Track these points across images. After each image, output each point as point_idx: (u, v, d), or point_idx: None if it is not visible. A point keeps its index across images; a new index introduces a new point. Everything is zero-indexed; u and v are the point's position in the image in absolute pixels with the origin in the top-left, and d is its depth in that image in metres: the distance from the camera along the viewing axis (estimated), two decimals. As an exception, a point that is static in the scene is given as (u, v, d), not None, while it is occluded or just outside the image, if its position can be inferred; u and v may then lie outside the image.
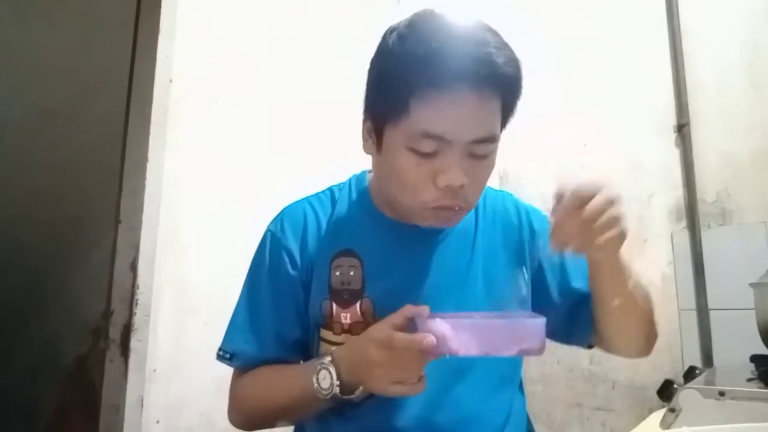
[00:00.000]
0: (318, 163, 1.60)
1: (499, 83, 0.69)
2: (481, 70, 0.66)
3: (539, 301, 0.88)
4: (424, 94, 0.67)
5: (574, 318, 0.88)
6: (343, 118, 1.76)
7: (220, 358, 0.84)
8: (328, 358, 0.73)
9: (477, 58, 0.66)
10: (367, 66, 0.76)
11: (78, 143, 1.91)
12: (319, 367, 0.72)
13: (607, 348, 0.88)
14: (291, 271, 0.81)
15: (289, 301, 0.82)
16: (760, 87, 1.67)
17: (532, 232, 0.90)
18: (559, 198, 0.67)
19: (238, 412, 0.83)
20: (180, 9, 1.41)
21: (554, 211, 0.67)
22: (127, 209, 1.34)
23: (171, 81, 1.37)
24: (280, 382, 0.79)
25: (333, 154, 1.67)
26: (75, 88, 1.96)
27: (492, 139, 0.71)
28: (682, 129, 1.78)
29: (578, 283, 0.87)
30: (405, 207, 0.76)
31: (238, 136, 1.50)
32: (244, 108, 1.53)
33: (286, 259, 0.82)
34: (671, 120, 1.81)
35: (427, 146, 0.68)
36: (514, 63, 0.70)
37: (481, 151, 0.71)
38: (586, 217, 0.65)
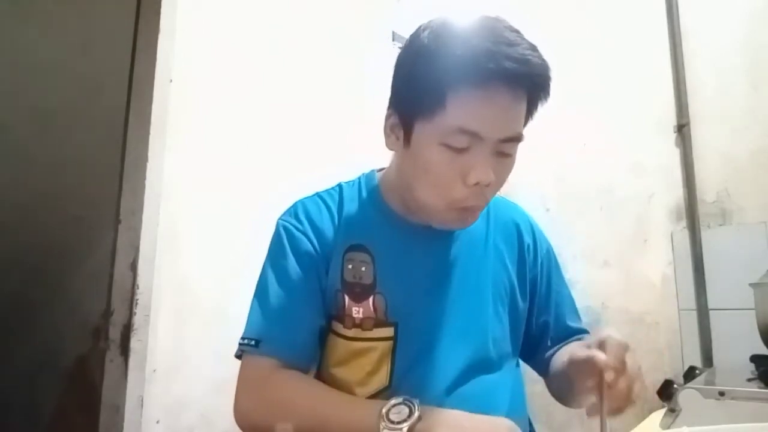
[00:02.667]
0: (318, 163, 1.60)
1: (533, 84, 0.71)
2: (518, 70, 0.67)
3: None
4: (462, 90, 0.68)
5: (540, 350, 0.92)
6: (343, 118, 1.77)
7: (243, 346, 0.77)
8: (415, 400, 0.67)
9: (514, 58, 0.67)
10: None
11: (78, 143, 1.91)
12: (395, 401, 0.67)
13: (556, 398, 0.91)
14: (314, 253, 0.80)
15: (315, 284, 0.80)
16: (760, 87, 1.67)
17: (537, 255, 0.93)
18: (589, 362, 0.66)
19: (266, 414, 0.73)
20: (180, 9, 1.41)
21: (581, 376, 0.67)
22: (127, 209, 1.33)
23: (171, 81, 1.37)
24: (332, 400, 0.74)
25: (333, 153, 1.67)
26: (75, 88, 1.95)
27: (518, 138, 0.73)
28: (682, 129, 1.78)
29: (554, 319, 0.92)
30: (428, 206, 0.75)
31: (238, 136, 1.50)
32: (244, 108, 1.52)
33: (307, 243, 0.81)
34: (671, 120, 1.81)
35: (461, 142, 0.69)
36: (546, 64, 0.71)
37: (507, 149, 0.72)
38: (631, 374, 0.66)
